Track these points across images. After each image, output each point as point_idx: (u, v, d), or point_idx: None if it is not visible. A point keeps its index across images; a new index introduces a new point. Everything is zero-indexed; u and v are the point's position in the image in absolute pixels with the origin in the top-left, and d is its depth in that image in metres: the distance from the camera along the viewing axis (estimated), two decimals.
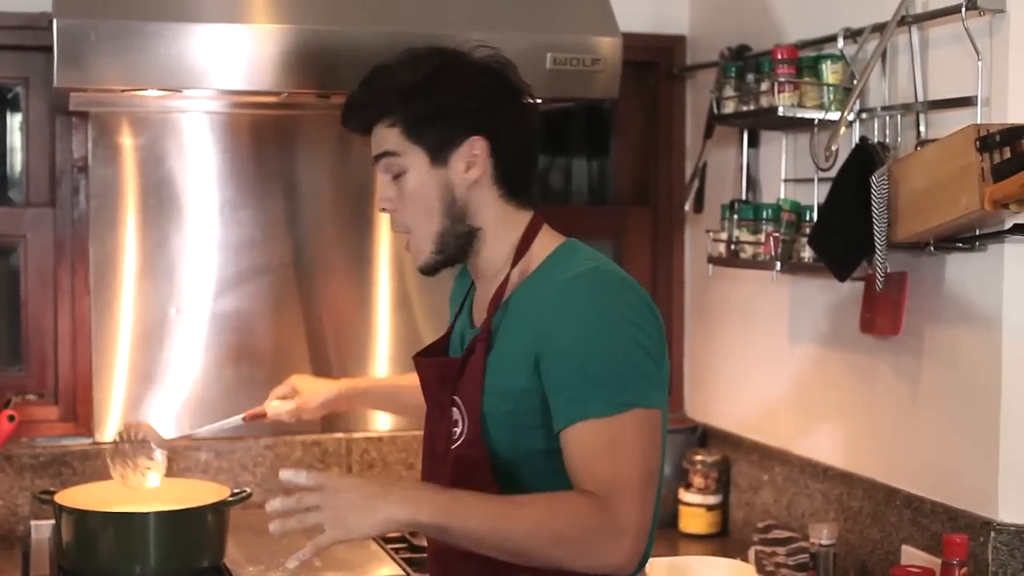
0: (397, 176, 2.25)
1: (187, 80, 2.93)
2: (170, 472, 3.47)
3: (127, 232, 3.56)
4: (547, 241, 2.30)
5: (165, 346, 3.59)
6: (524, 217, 2.30)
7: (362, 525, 2.03)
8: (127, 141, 3.55)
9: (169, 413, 3.58)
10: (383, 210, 2.30)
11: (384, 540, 3.26)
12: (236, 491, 3.04)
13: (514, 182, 2.29)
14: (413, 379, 2.53)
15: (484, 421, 2.21)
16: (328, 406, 3.06)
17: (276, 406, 3.04)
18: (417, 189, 2.24)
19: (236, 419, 3.11)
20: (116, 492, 3.11)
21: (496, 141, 2.26)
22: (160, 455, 3.13)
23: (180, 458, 3.54)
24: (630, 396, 2.10)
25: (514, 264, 2.27)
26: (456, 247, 2.28)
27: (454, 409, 2.27)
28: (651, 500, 2.14)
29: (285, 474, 2.09)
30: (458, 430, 2.26)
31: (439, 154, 2.24)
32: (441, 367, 2.34)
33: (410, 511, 2.02)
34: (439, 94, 2.24)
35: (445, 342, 2.42)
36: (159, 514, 2.95)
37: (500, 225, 2.28)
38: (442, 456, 2.30)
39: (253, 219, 3.65)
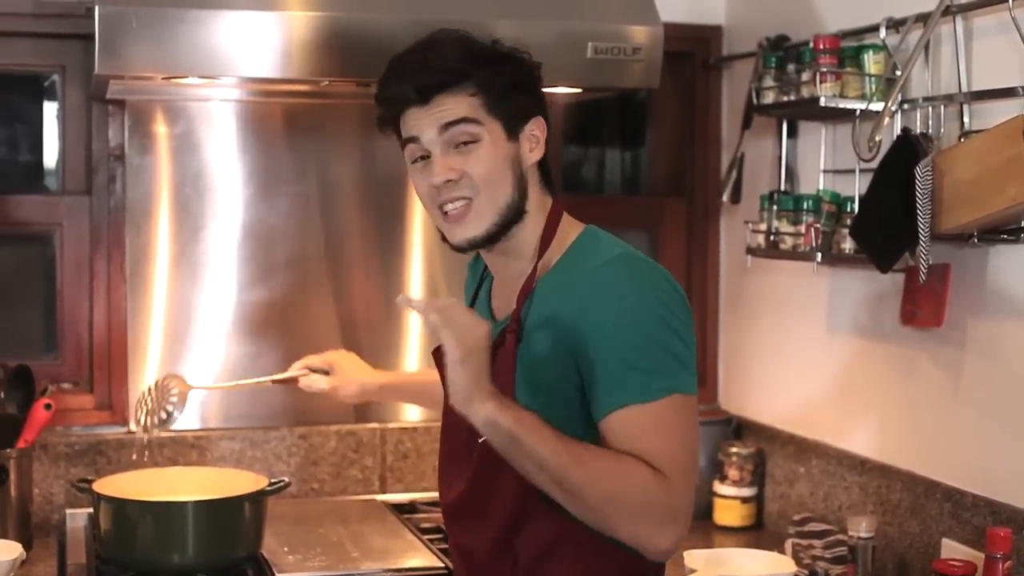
0: (465, 144, 2.22)
1: (225, 68, 2.92)
2: (205, 461, 3.49)
3: (162, 221, 3.56)
4: (568, 228, 2.30)
5: (199, 334, 3.59)
6: (549, 203, 2.32)
7: (468, 382, 2.06)
8: (162, 130, 3.55)
9: (202, 402, 3.58)
10: (448, 181, 2.23)
11: (420, 530, 3.26)
12: (274, 481, 3.03)
13: (548, 168, 2.34)
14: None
15: None
16: (366, 393, 3.08)
17: (314, 379, 3.07)
18: (493, 159, 2.23)
19: (265, 379, 3.15)
20: (153, 481, 3.11)
21: (548, 125, 2.31)
22: (178, 413, 3.13)
23: (214, 447, 3.54)
24: (668, 381, 2.12)
25: (541, 252, 2.27)
26: (512, 221, 2.26)
27: None
28: (694, 487, 2.15)
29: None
30: None
31: (514, 129, 2.25)
32: None
33: (498, 405, 2.06)
34: (520, 71, 2.28)
35: None
36: (197, 503, 2.94)
37: (537, 209, 2.29)
38: (464, 448, 2.28)
39: (286, 209, 3.65)
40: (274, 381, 3.13)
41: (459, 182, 2.23)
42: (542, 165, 2.32)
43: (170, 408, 3.15)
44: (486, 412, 2.06)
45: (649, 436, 2.10)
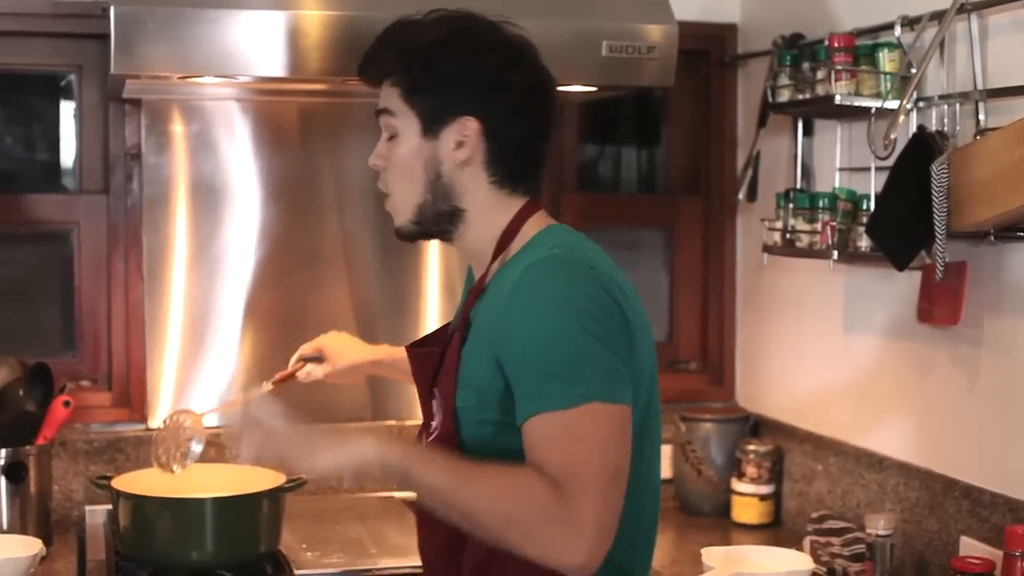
0: (392, 137, 2.23)
1: (241, 67, 2.93)
2: (223, 459, 3.50)
3: (179, 219, 3.57)
4: (531, 228, 2.22)
5: (216, 333, 3.60)
6: (517, 204, 2.22)
7: (331, 456, 2.05)
8: (179, 129, 3.56)
9: (219, 399, 3.59)
10: (373, 165, 2.27)
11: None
12: (292, 478, 3.04)
13: (510, 170, 2.21)
14: None
15: (456, 416, 2.15)
16: (360, 370, 3.03)
17: (309, 370, 3.05)
18: (405, 155, 2.21)
19: (265, 385, 3.08)
20: (172, 478, 3.11)
21: (492, 126, 2.18)
22: (198, 446, 3.09)
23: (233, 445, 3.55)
24: (586, 388, 2.00)
25: (497, 252, 2.21)
26: (435, 223, 2.23)
27: (434, 402, 2.22)
28: (615, 500, 2.01)
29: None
30: (434, 423, 2.21)
31: (431, 126, 2.18)
32: (422, 358, 2.30)
33: (380, 450, 2.03)
34: (443, 64, 2.17)
35: (443, 334, 2.36)
36: (216, 500, 2.95)
37: (487, 210, 2.21)
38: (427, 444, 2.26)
39: (301, 207, 3.66)
40: (274, 383, 3.07)
41: (382, 173, 2.27)
42: (503, 166, 2.21)
43: (189, 442, 3.10)
44: (366, 454, 2.04)
45: (555, 445, 2.00)
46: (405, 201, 2.23)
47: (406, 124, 2.20)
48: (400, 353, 2.94)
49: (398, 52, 2.21)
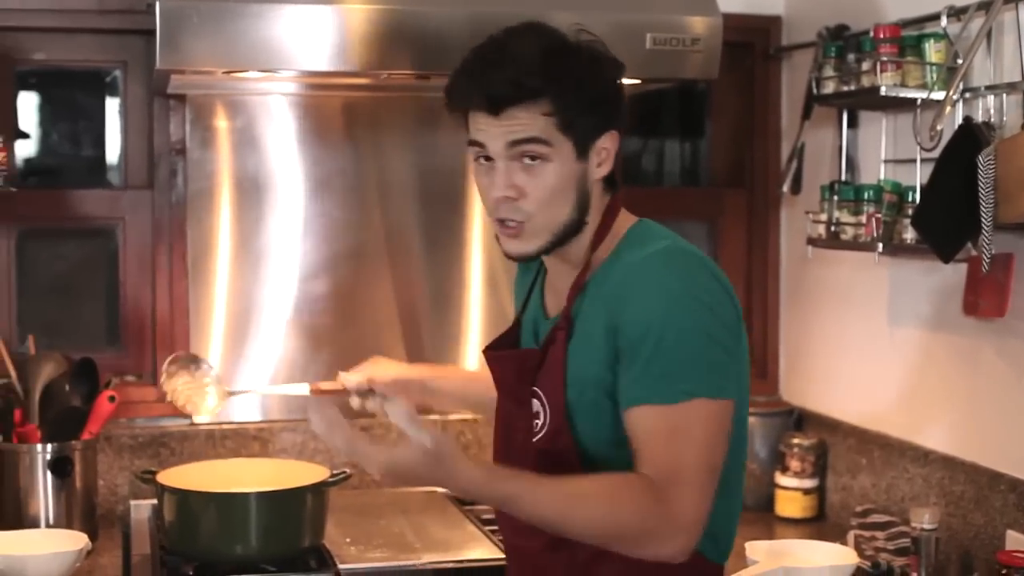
0: (532, 158, 2.12)
1: (285, 61, 2.94)
2: (267, 453, 3.52)
3: (223, 214, 3.58)
4: (621, 224, 2.23)
5: (260, 328, 3.61)
6: (607, 202, 2.24)
7: (441, 476, 2.01)
8: (223, 124, 3.58)
9: (263, 396, 3.60)
10: (507, 198, 2.13)
11: (481, 522, 3.27)
12: (336, 472, 3.05)
13: (613, 172, 2.23)
14: (485, 373, 2.48)
15: (569, 412, 2.16)
16: (400, 386, 2.73)
17: (346, 377, 2.78)
18: (560, 180, 2.13)
19: (303, 386, 2.93)
20: (216, 473, 3.13)
21: (619, 135, 2.20)
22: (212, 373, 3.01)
23: (276, 439, 3.57)
24: (694, 385, 2.05)
25: (594, 248, 2.21)
26: (567, 238, 2.19)
27: (534, 401, 2.22)
28: (711, 493, 2.08)
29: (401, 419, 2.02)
30: (539, 422, 2.21)
31: (584, 148, 2.14)
32: (518, 359, 2.28)
33: (485, 477, 2.04)
34: (601, 83, 2.16)
35: (515, 334, 2.36)
36: (261, 495, 2.96)
37: (597, 214, 2.21)
38: (520, 449, 2.24)
39: (345, 201, 3.66)
40: (312, 391, 2.88)
41: (516, 202, 2.14)
42: (612, 170, 2.22)
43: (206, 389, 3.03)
44: (470, 487, 2.04)
45: (659, 441, 2.05)
46: (550, 223, 2.16)
47: (560, 151, 2.12)
48: (438, 377, 2.85)
49: (549, 77, 2.10)
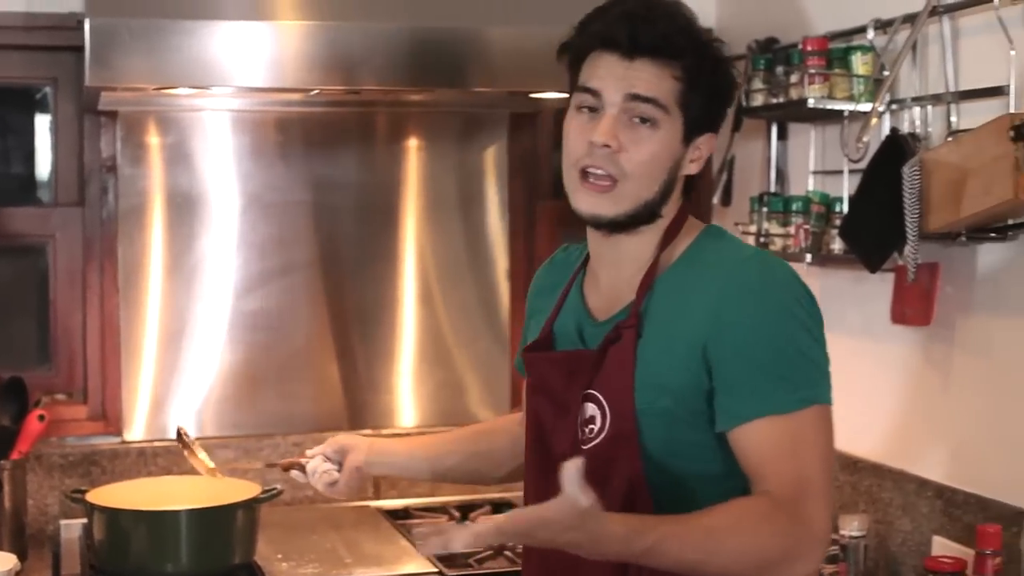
0: (642, 121, 2.02)
1: (216, 78, 2.94)
2: (198, 471, 3.49)
3: (155, 231, 3.57)
4: (689, 227, 2.13)
5: (193, 345, 3.60)
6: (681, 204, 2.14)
7: (584, 534, 1.80)
8: (155, 140, 3.56)
9: (196, 411, 3.59)
10: (606, 146, 2.01)
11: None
12: (267, 489, 3.04)
13: (693, 180, 2.14)
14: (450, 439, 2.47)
15: (637, 418, 2.02)
16: (347, 446, 2.52)
17: (326, 470, 2.50)
18: (661, 151, 2.03)
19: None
20: (147, 491, 3.11)
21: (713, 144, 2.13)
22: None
23: (210, 456, 3.50)
24: (809, 391, 1.98)
25: (662, 248, 2.09)
26: (643, 220, 2.06)
27: (589, 405, 2.07)
28: (833, 501, 2.03)
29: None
30: (595, 427, 2.06)
31: (690, 132, 2.05)
32: (570, 360, 2.13)
33: (630, 535, 1.82)
34: (724, 80, 2.09)
35: (547, 344, 2.21)
36: (191, 512, 2.95)
37: (669, 217, 2.10)
38: (563, 458, 2.00)
39: (279, 217, 3.66)
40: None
41: (615, 156, 2.02)
42: (691, 177, 2.13)
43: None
44: (613, 546, 1.83)
45: (785, 454, 1.95)
46: (638, 193, 2.04)
47: (671, 124, 2.03)
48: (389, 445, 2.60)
49: (692, 41, 2.04)
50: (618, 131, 2.02)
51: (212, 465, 2.84)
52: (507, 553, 3.17)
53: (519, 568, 2.99)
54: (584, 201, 2.06)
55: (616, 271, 2.13)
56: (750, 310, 1.98)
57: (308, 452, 2.54)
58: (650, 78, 2.02)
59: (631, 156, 2.02)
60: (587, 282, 2.20)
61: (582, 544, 1.81)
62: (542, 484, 2.12)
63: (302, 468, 2.51)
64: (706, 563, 1.89)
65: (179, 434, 2.85)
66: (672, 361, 2.01)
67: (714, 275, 2.02)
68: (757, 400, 1.95)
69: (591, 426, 2.07)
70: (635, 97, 2.02)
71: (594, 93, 2.04)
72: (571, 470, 1.77)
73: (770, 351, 1.96)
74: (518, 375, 3.72)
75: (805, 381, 1.98)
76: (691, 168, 2.09)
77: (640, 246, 2.10)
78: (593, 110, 2.05)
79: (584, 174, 2.04)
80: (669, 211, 2.09)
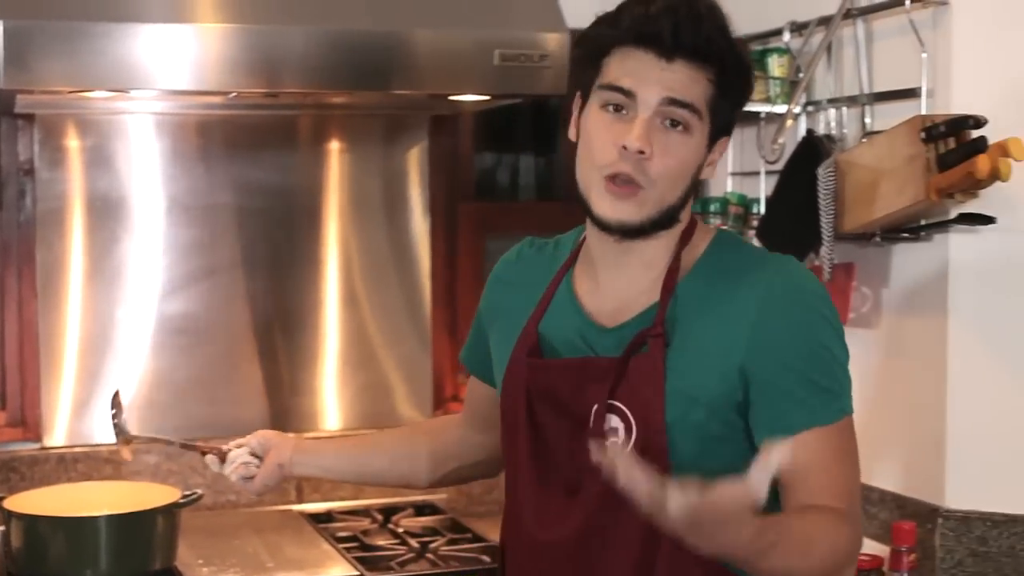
0: (675, 124, 1.95)
1: (134, 80, 2.92)
2: (121, 476, 3.47)
3: (74, 235, 3.53)
4: (700, 232, 2.08)
5: (114, 349, 3.57)
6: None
7: (736, 528, 1.70)
8: (74, 143, 3.53)
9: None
10: (640, 152, 1.92)
11: (336, 540, 3.26)
12: (187, 493, 3.03)
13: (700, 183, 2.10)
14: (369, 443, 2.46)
15: (668, 431, 1.95)
16: (273, 440, 2.47)
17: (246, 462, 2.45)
18: (690, 157, 1.97)
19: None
20: (66, 497, 3.09)
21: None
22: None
23: (130, 462, 3.52)
24: (845, 400, 1.97)
25: (676, 255, 2.03)
26: (661, 224, 2.00)
27: (611, 417, 1.98)
28: None
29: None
30: (618, 440, 1.97)
31: (714, 137, 2.00)
32: (584, 367, 2.03)
33: (759, 531, 1.73)
34: (744, 78, 2.03)
35: (531, 345, 2.10)
36: (110, 517, 2.93)
37: (682, 221, 2.05)
38: (583, 470, 1.96)
39: (201, 220, 3.63)
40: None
41: (646, 163, 1.94)
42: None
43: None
44: (752, 543, 1.74)
45: (832, 465, 1.94)
46: (663, 199, 1.97)
47: (701, 129, 1.97)
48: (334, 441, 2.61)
49: (728, 47, 1.97)
50: (653, 135, 1.94)
51: (131, 434, 2.66)
52: (428, 556, 3.18)
53: (440, 570, 3.06)
54: (608, 206, 1.98)
55: (623, 275, 2.05)
56: (792, 323, 1.94)
57: (232, 443, 2.47)
58: (687, 81, 1.94)
59: (661, 162, 1.95)
60: (579, 283, 2.12)
61: (736, 537, 1.71)
62: (546, 497, 2.05)
63: (222, 456, 2.45)
64: (796, 568, 1.86)
65: (115, 397, 2.72)
66: (705, 373, 1.95)
67: (748, 285, 1.97)
68: (803, 412, 1.92)
69: (613, 439, 1.98)
70: (672, 101, 1.94)
71: (627, 93, 1.95)
72: (775, 457, 1.67)
73: (814, 363, 1.94)
74: (441, 375, 3.79)
75: (841, 390, 1.97)
76: (708, 172, 2.03)
77: (654, 251, 2.03)
78: (619, 109, 1.96)
79: (610, 179, 1.96)
80: (685, 215, 2.04)
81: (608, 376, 1.98)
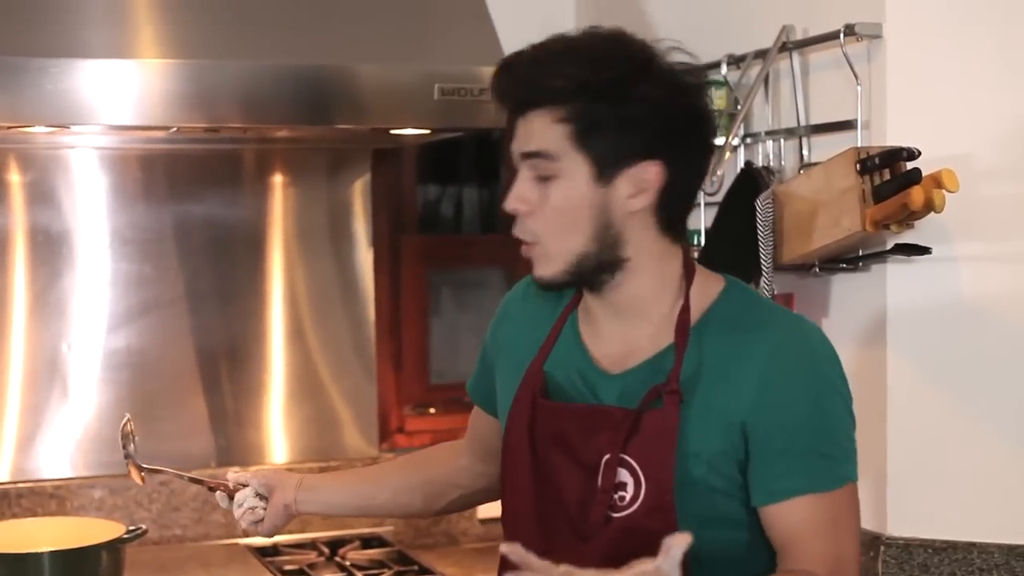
0: (544, 179, 1.92)
1: (75, 116, 2.92)
2: (65, 511, 3.45)
3: (16, 270, 3.52)
4: (705, 279, 2.03)
5: (57, 384, 3.55)
6: (677, 251, 2.01)
7: None
8: (15, 178, 3.52)
9: (63, 452, 3.55)
10: (513, 210, 1.94)
11: (283, 573, 3.26)
12: (132, 528, 3.01)
13: (674, 214, 1.99)
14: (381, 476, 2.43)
15: (676, 490, 1.92)
16: (274, 478, 2.46)
17: (252, 506, 2.45)
18: (567, 202, 1.90)
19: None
20: (9, 533, 3.06)
21: (674, 170, 1.93)
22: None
23: (74, 497, 3.50)
24: (848, 468, 1.95)
25: (684, 306, 1.97)
26: (595, 273, 1.95)
27: (621, 471, 1.95)
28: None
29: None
30: (626, 495, 1.94)
31: (606, 171, 1.90)
32: (594, 416, 2.00)
33: None
34: (629, 102, 1.89)
35: (537, 385, 2.06)
36: (54, 554, 2.89)
37: (653, 258, 1.98)
38: (589, 525, 1.97)
39: (144, 254, 3.63)
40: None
41: (524, 219, 1.94)
42: (668, 211, 1.97)
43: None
44: None
45: (823, 533, 1.91)
46: (562, 250, 1.92)
47: (572, 168, 1.90)
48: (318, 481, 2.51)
49: (574, 86, 1.88)
50: (526, 191, 1.93)
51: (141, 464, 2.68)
52: None
53: None
54: (532, 267, 1.99)
55: (620, 323, 2.02)
56: (797, 387, 1.92)
57: (230, 475, 2.47)
58: (541, 129, 1.92)
59: (539, 216, 1.93)
60: (583, 327, 2.08)
61: None
62: (551, 538, 2.01)
63: (230, 494, 2.44)
64: None
65: (124, 425, 2.72)
66: (708, 429, 1.93)
67: (758, 342, 1.94)
68: (800, 477, 1.91)
69: (622, 493, 1.95)
70: (528, 155, 1.94)
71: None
72: (676, 548, 1.67)
73: (816, 430, 1.92)
74: (387, 407, 3.79)
75: (844, 458, 1.95)
76: (633, 204, 1.93)
77: (637, 299, 1.99)
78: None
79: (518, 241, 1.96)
80: (638, 251, 1.96)
81: (620, 427, 1.95)
